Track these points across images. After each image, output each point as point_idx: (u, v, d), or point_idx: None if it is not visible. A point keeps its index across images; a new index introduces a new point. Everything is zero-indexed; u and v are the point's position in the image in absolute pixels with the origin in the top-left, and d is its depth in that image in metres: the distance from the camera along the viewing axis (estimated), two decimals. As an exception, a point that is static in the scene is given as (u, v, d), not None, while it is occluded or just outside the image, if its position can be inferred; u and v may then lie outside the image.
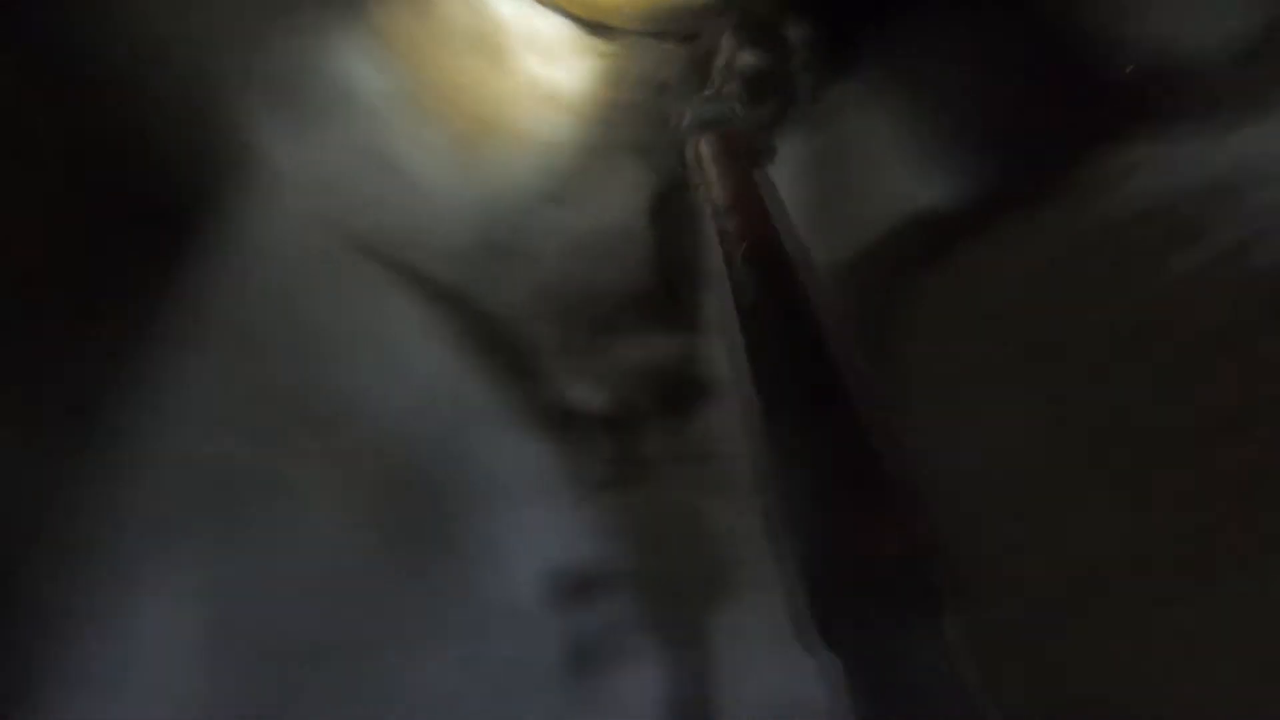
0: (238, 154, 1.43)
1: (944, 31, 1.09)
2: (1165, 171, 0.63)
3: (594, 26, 1.71)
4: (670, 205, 1.89)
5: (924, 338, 0.87)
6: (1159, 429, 0.57)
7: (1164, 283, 0.60)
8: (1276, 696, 0.48)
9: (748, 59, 1.74)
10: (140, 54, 1.09)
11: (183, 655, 0.80)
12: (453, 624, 0.98)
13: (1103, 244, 0.66)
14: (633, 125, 1.87)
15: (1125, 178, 0.66)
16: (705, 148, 1.16)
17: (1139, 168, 0.66)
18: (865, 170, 1.33)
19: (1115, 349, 0.62)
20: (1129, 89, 0.71)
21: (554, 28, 1.74)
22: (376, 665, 0.92)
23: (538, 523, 1.12)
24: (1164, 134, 0.65)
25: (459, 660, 0.97)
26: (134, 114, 1.16)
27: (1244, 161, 0.59)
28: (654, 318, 1.95)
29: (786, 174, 1.62)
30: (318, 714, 0.85)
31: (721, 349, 1.79)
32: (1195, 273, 0.57)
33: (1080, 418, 0.63)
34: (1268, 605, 0.51)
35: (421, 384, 1.08)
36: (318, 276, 1.22)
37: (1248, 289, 0.54)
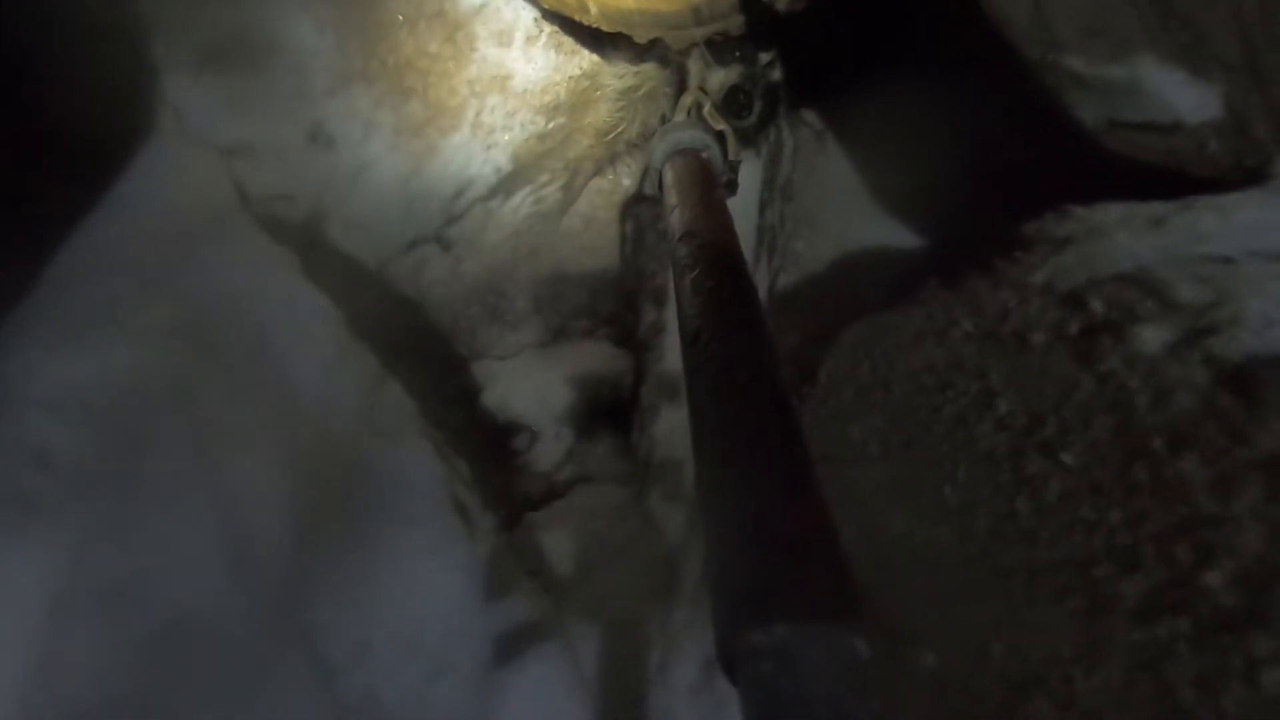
0: (157, 108, 1.35)
1: (905, 87, 1.04)
2: (1089, 256, 0.58)
3: (569, 25, 1.64)
4: (626, 218, 1.84)
5: (824, 389, 0.82)
6: (1041, 548, 0.53)
7: (1071, 379, 0.54)
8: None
9: (719, 78, 1.69)
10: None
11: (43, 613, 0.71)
12: (310, 665, 0.89)
13: (1018, 322, 0.61)
14: (598, 132, 1.81)
15: (1054, 253, 0.61)
16: (671, 170, 1.12)
17: (1067, 246, 0.61)
18: (815, 204, 1.28)
19: (1011, 445, 0.57)
20: (1068, 168, 0.67)
21: (526, 22, 1.68)
22: (217, 704, 0.83)
23: (426, 575, 1.04)
24: (1095, 218, 0.61)
25: (311, 702, 0.88)
26: (49, 55, 1.09)
27: (1167, 256, 0.54)
28: (599, 327, 1.90)
29: (739, 200, 1.58)
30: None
31: (663, 364, 1.74)
32: (1104, 377, 0.52)
33: (963, 515, 0.58)
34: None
35: (310, 410, 0.99)
36: (221, 242, 1.14)
37: (1157, 406, 0.49)
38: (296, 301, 1.04)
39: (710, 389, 0.58)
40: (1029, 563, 0.56)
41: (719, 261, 0.72)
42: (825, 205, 1.36)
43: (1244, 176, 0.62)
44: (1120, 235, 0.60)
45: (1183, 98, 0.63)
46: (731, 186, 1.59)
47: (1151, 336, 0.52)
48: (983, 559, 0.60)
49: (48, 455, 0.80)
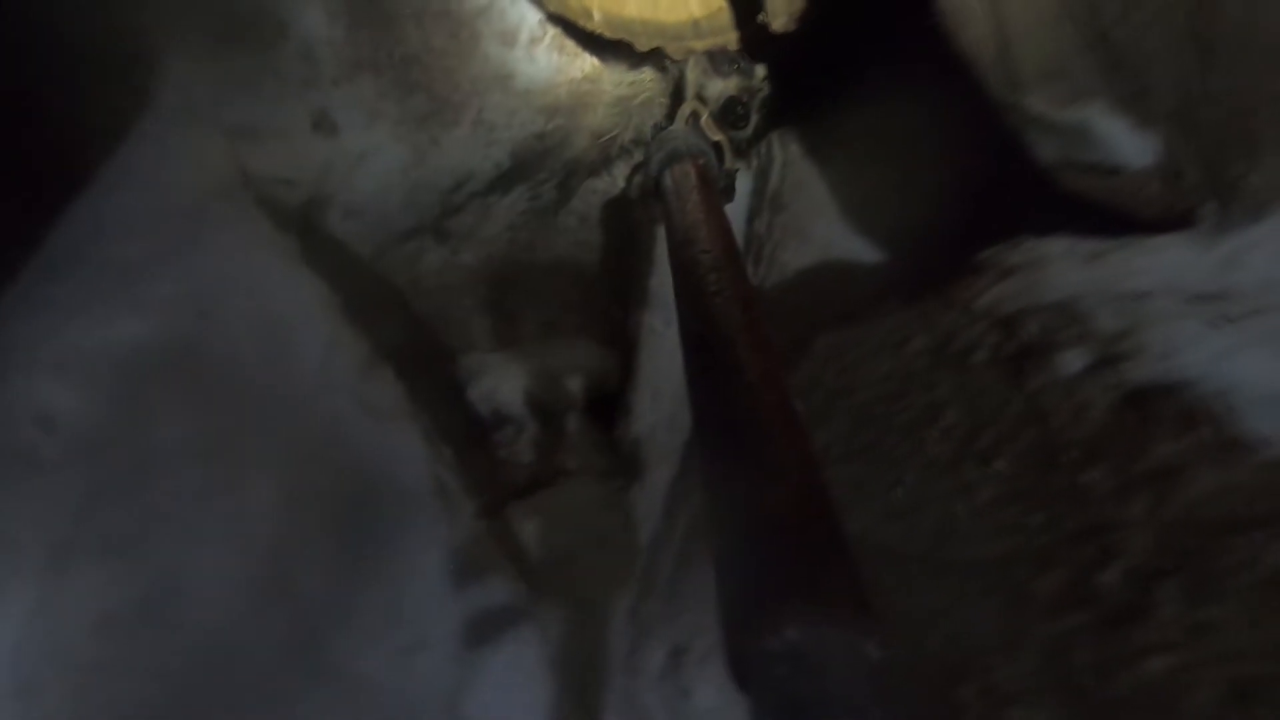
0: (166, 88, 1.38)
1: (887, 110, 1.10)
2: (1029, 285, 0.64)
3: (572, 29, 1.68)
4: (622, 220, 1.89)
5: (796, 393, 0.87)
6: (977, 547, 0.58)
7: (1004, 395, 0.60)
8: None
9: (717, 89, 1.74)
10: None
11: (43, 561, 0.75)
12: (295, 626, 0.93)
13: (963, 341, 0.66)
14: (595, 134, 1.86)
15: (999, 280, 0.66)
16: (672, 177, 1.15)
17: (1011, 274, 0.66)
18: (803, 216, 1.33)
19: (953, 453, 0.62)
20: (1025, 201, 0.72)
21: (531, 24, 1.72)
22: (206, 663, 0.87)
23: (407, 550, 1.08)
24: (1041, 249, 0.67)
25: (296, 663, 0.93)
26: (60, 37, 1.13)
27: (1094, 288, 0.59)
28: (589, 323, 1.95)
29: (733, 207, 1.63)
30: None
31: (649, 363, 1.79)
32: (1031, 394, 0.58)
33: (910, 516, 0.64)
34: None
35: (306, 384, 1.03)
36: (226, 221, 1.18)
37: (1074, 422, 0.55)
38: (296, 283, 1.09)
39: (715, 395, 0.59)
40: (963, 562, 0.61)
41: (720, 266, 0.75)
42: (813, 218, 1.42)
43: (1177, 220, 0.68)
44: (1057, 267, 0.65)
45: (1127, 144, 0.69)
46: (729, 193, 1.64)
47: (1072, 360, 0.57)
48: (926, 557, 0.65)
49: (54, 417, 0.84)
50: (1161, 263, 0.63)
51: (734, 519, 0.49)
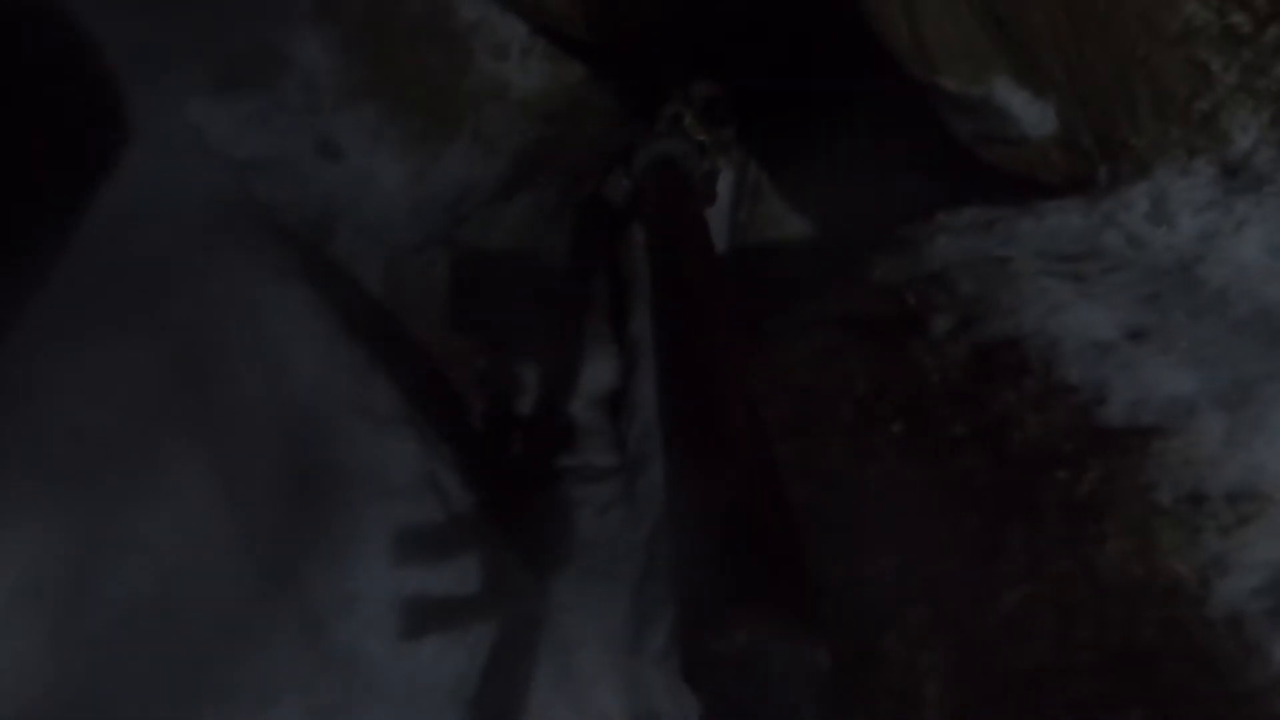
0: (158, 117, 1.47)
1: (843, 104, 1.13)
2: (915, 258, 0.67)
3: (561, 38, 1.73)
4: (612, 225, 1.93)
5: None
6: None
7: (894, 360, 0.63)
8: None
9: (700, 89, 1.77)
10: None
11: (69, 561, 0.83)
12: (298, 615, 1.02)
13: (863, 313, 0.70)
14: (591, 140, 1.90)
15: (892, 255, 0.70)
16: (655, 182, 1.17)
17: (904, 249, 0.69)
18: (779, 207, 1.36)
19: (862, 420, 0.66)
20: (950, 177, 0.75)
21: (521, 36, 1.77)
22: (212, 649, 0.95)
23: (405, 526, 1.15)
24: (949, 221, 0.69)
25: (299, 650, 1.01)
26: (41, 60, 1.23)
27: (964, 257, 0.62)
28: (594, 324, 1.99)
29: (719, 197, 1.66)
30: (140, 692, 0.88)
31: (650, 360, 1.82)
32: (912, 359, 0.61)
33: (838, 485, 0.67)
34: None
35: (305, 393, 1.11)
36: (232, 246, 1.27)
37: (942, 381, 0.58)
38: (295, 297, 1.17)
39: (681, 400, 0.59)
40: (875, 520, 0.64)
41: (695, 272, 0.78)
42: (790, 207, 1.45)
43: (1077, 183, 0.70)
44: (942, 239, 0.68)
45: (1028, 114, 0.71)
46: (710, 198, 1.67)
47: (940, 323, 0.60)
48: (850, 522, 0.69)
49: (82, 430, 0.94)
50: (1042, 227, 0.66)
51: (692, 521, 0.49)
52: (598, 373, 1.92)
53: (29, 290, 1.01)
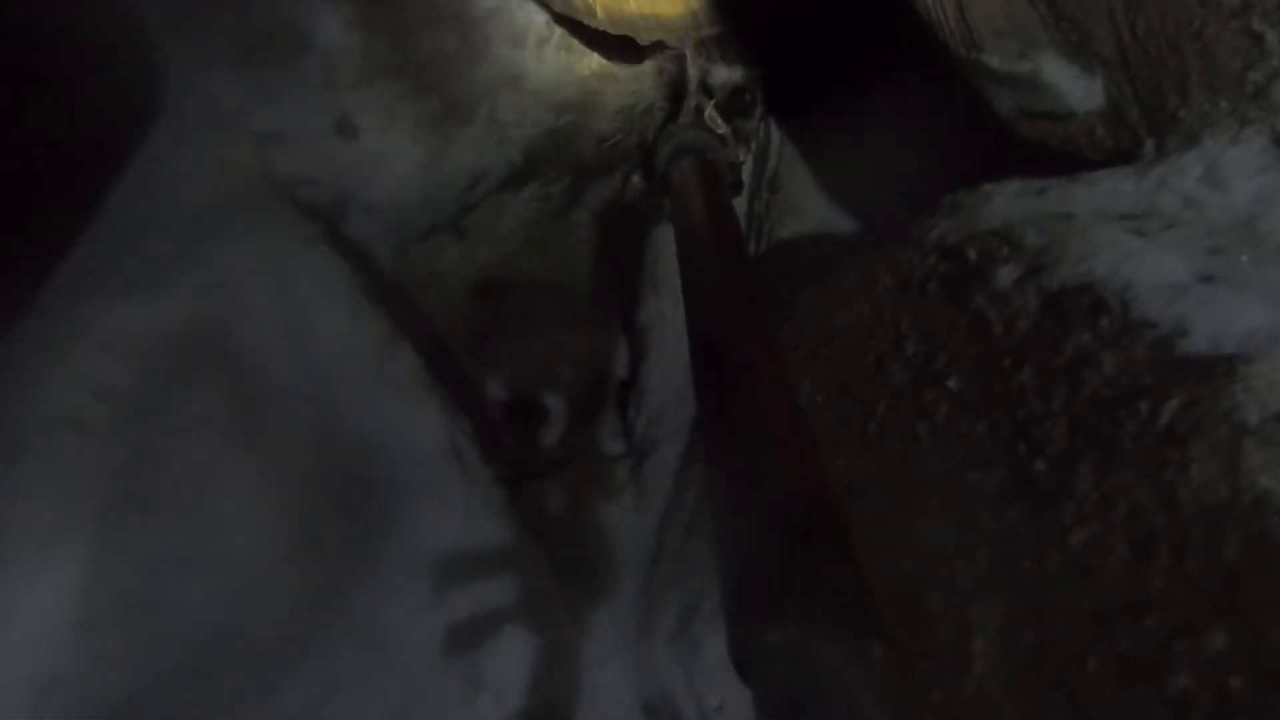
0: (180, 91, 1.47)
1: (872, 84, 1.15)
2: (973, 217, 0.69)
3: (578, 28, 1.75)
4: (623, 215, 1.94)
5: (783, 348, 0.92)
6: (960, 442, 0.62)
7: (953, 317, 0.65)
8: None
9: (722, 80, 1.79)
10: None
11: (60, 635, 0.82)
12: (318, 577, 1.01)
13: (919, 274, 0.71)
14: (608, 121, 1.91)
15: (949, 216, 0.71)
16: (680, 171, 1.17)
17: (959, 211, 0.71)
18: (799, 195, 1.38)
19: (914, 379, 0.67)
20: (990, 152, 0.77)
21: (538, 25, 1.79)
22: (233, 614, 0.94)
23: (424, 510, 1.14)
24: (996, 190, 0.71)
25: (318, 615, 1.00)
26: (70, 38, 1.23)
27: (1027, 214, 0.64)
28: (603, 314, 2.00)
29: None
30: (208, 703, 0.87)
31: (659, 349, 1.84)
32: (974, 313, 0.62)
33: (881, 446, 0.68)
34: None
35: (328, 358, 1.11)
36: (254, 215, 1.27)
37: (1007, 332, 0.59)
38: (319, 264, 1.17)
39: (721, 392, 0.59)
40: (926, 478, 0.66)
41: (726, 261, 0.78)
42: (808, 196, 1.47)
43: (1124, 157, 0.72)
44: (1000, 200, 0.70)
45: (1074, 90, 0.73)
46: (736, 188, 1.68)
47: (1005, 275, 0.62)
48: (895, 482, 0.70)
49: (106, 387, 0.93)
50: (1096, 192, 0.68)
51: (738, 514, 0.49)
52: (606, 361, 1.93)
53: (55, 247, 1.01)
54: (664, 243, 1.88)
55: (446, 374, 1.42)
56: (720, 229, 0.87)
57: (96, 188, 1.24)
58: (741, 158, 1.60)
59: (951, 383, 0.65)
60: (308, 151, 1.68)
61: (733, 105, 1.72)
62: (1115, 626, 0.48)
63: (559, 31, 1.81)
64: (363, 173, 1.74)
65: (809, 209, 1.39)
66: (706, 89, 1.77)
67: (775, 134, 1.59)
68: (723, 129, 1.65)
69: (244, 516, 0.92)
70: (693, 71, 1.77)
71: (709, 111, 1.73)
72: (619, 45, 1.76)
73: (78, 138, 1.30)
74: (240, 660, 0.95)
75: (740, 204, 1.67)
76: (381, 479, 1.06)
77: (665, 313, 1.83)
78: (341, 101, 1.68)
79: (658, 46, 1.74)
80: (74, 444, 0.88)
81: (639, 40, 1.68)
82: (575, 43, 1.83)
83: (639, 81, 1.85)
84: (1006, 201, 0.70)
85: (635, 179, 1.90)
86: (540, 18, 1.77)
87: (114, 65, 1.42)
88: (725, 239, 0.84)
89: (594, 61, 1.86)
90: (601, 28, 1.69)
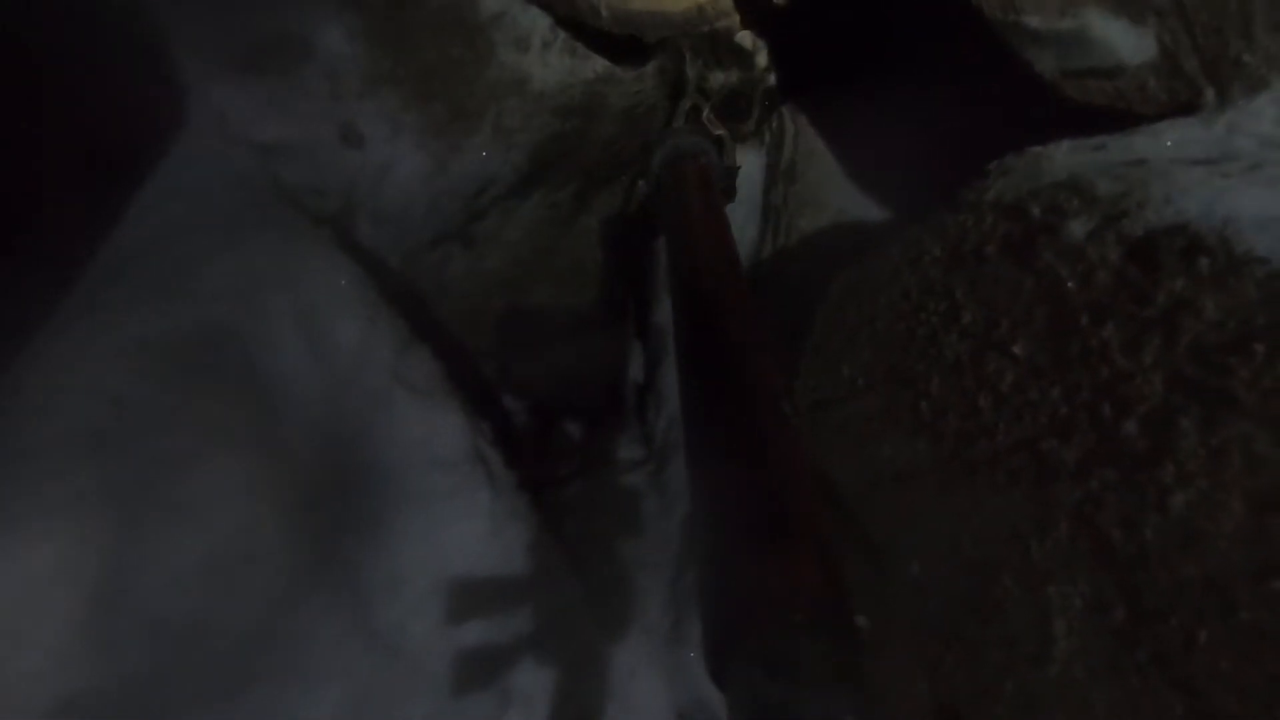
0: (205, 112, 1.47)
1: (899, 61, 1.12)
2: (1033, 173, 0.65)
3: (582, 30, 1.73)
4: (632, 218, 1.93)
5: (817, 339, 0.88)
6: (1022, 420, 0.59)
7: (1016, 280, 0.61)
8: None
9: (719, 82, 1.77)
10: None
11: (53, 624, 0.79)
12: (344, 590, 0.97)
13: (975, 239, 0.68)
14: (611, 128, 1.90)
15: (1003, 175, 0.68)
16: (673, 175, 1.15)
17: (1014, 170, 0.67)
18: (816, 185, 1.35)
19: (972, 350, 0.63)
20: (1032, 115, 0.73)
21: (542, 28, 1.77)
22: (257, 624, 0.91)
23: (450, 517, 1.11)
24: (1046, 151, 0.68)
25: (345, 628, 0.96)
26: (80, 53, 1.21)
27: (1094, 165, 0.61)
28: (616, 318, 1.98)
29: (745, 183, 1.66)
30: (197, 696, 0.83)
31: (653, 359, 1.82)
32: (1041, 272, 0.59)
33: (935, 425, 0.65)
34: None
35: (346, 362, 1.08)
36: (266, 224, 1.24)
37: (1083, 287, 0.56)
38: (335, 270, 1.14)
39: (704, 397, 0.58)
40: (990, 453, 0.62)
41: (716, 268, 0.74)
42: (826, 185, 1.44)
43: (1179, 110, 0.69)
44: (1059, 155, 0.67)
45: (1123, 43, 0.70)
46: (729, 193, 1.65)
47: (1077, 228, 0.58)
48: (952, 460, 0.66)
49: (122, 397, 0.90)
50: (1161, 142, 0.64)
51: (721, 521, 0.48)
52: (622, 366, 1.91)
53: (68, 260, 0.98)
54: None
55: (465, 379, 1.39)
56: (712, 235, 0.85)
57: (110, 201, 1.22)
58: (739, 162, 1.58)
59: (1018, 348, 0.61)
60: (314, 161, 1.66)
61: (729, 108, 1.70)
62: (1233, 594, 0.44)
63: (563, 35, 1.79)
64: (369, 181, 1.73)
65: (828, 199, 1.36)
66: (703, 91, 1.75)
67: (790, 125, 1.56)
68: (720, 131, 1.63)
69: (265, 519, 0.88)
70: (690, 72, 1.76)
71: (706, 113, 1.71)
72: (623, 47, 1.75)
73: (91, 151, 1.28)
74: (271, 672, 0.91)
75: (756, 196, 1.65)
76: (402, 485, 1.02)
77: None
78: (347, 110, 1.67)
79: (663, 45, 1.72)
80: (90, 455, 0.85)
81: (645, 39, 1.66)
82: (579, 46, 1.81)
83: (642, 83, 1.84)
84: (1068, 154, 0.66)
85: (641, 182, 1.88)
86: (544, 21, 1.76)
87: (124, 79, 1.41)
88: (715, 243, 0.82)
89: (598, 64, 1.85)
90: (607, 28, 1.67)
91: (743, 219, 1.68)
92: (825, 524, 0.45)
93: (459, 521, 1.07)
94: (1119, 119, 0.73)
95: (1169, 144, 0.62)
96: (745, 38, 1.65)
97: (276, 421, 0.95)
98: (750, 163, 1.63)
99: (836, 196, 1.37)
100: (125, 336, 0.95)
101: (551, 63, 1.76)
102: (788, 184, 1.47)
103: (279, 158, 1.59)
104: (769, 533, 0.44)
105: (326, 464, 0.97)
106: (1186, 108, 0.69)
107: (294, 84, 1.60)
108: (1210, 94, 0.67)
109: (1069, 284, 0.57)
